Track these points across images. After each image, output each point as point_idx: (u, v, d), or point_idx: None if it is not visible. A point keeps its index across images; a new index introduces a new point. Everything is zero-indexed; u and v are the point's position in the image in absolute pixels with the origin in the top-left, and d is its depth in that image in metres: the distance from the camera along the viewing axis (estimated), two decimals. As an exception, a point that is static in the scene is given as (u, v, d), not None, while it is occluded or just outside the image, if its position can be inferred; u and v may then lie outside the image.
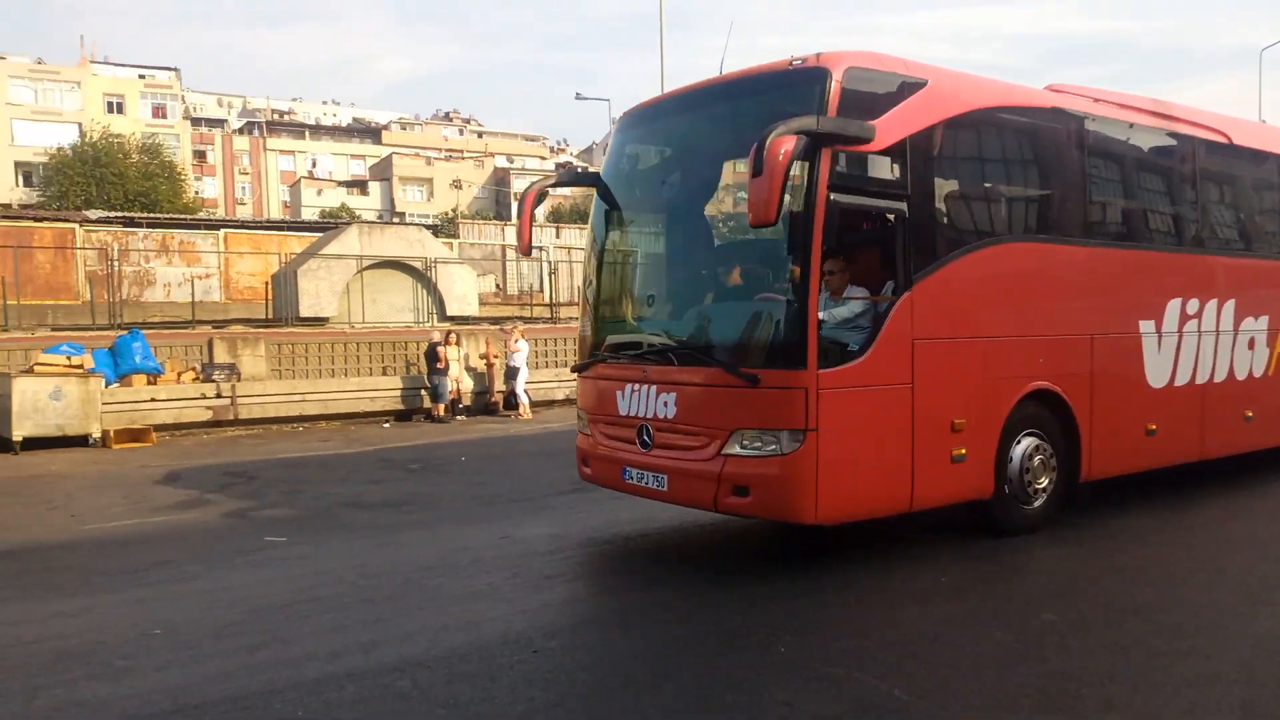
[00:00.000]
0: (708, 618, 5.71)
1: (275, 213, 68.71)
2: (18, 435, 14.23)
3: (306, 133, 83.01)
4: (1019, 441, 7.35)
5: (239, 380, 17.63)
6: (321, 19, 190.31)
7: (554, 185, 8.45)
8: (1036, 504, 7.50)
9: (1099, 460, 7.91)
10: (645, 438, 6.91)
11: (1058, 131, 7.88)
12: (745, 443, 6.33)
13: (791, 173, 5.90)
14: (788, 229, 6.19)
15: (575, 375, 8.17)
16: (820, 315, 6.21)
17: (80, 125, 55.33)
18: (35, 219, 30.72)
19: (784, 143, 5.70)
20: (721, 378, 6.40)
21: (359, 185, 72.63)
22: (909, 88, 6.67)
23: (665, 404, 6.77)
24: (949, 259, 6.88)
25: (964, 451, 6.87)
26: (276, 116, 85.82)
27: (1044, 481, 7.52)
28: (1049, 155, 7.95)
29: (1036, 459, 7.44)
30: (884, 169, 6.48)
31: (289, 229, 35.76)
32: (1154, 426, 8.37)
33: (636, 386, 6.98)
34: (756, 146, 5.66)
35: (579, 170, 9.12)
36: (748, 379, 6.25)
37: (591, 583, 6.80)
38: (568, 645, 5.29)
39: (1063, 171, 7.98)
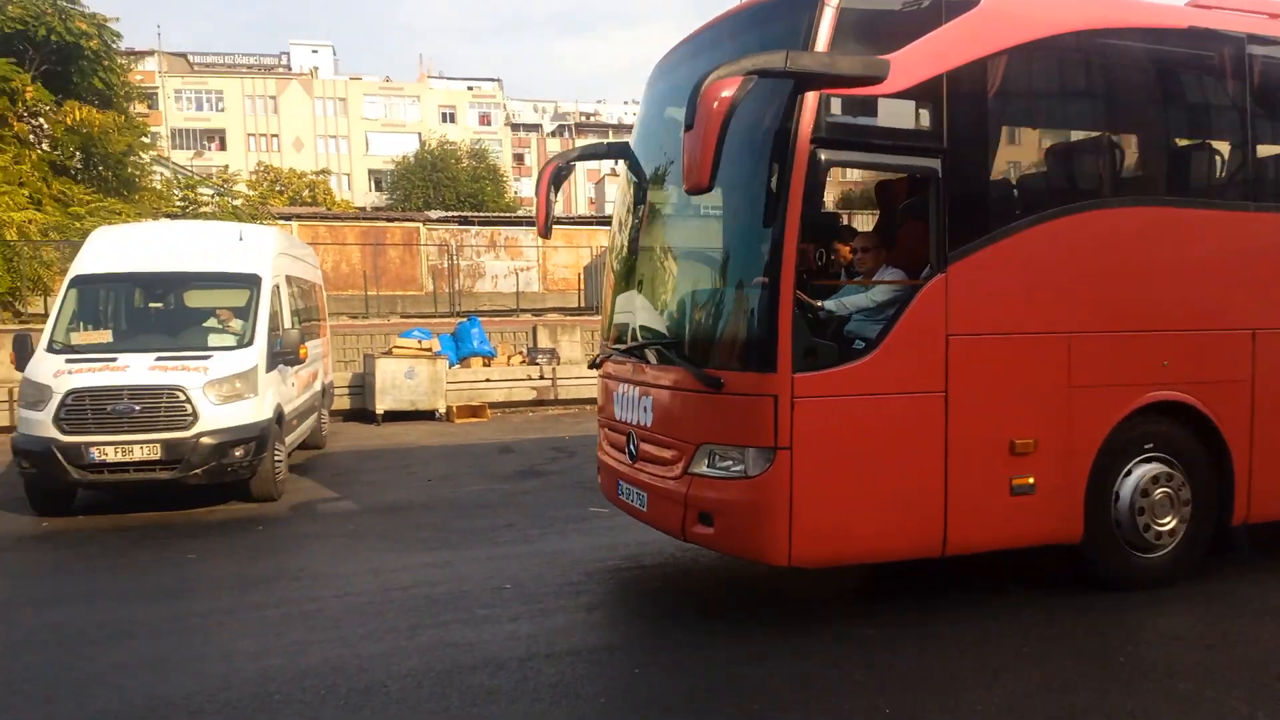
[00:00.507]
0: (1017, 617, 5.48)
1: (583, 209, 73.02)
2: (380, 409, 16.29)
3: (610, 132, 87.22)
4: (1131, 469, 5.75)
5: (559, 363, 19.01)
6: (623, 24, 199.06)
7: (576, 159, 7.15)
8: (1162, 551, 5.81)
9: (1264, 496, 6.05)
10: (632, 448, 5.94)
11: (1202, 60, 6.09)
12: (711, 460, 5.24)
13: (763, 124, 4.95)
14: (762, 196, 5.02)
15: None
16: (824, 304, 5.20)
17: (419, 135, 62.03)
18: (387, 220, 34.82)
19: (721, 88, 4.54)
20: (688, 380, 5.32)
21: (659, 178, 75.28)
22: (951, 9, 5.21)
23: (645, 409, 5.77)
24: (1009, 231, 5.40)
25: (1032, 480, 5.39)
26: (584, 118, 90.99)
27: (1169, 521, 5.80)
28: (1187, 92, 6.26)
29: (1157, 492, 5.77)
30: (906, 116, 5.09)
31: (596, 224, 37.85)
32: None
33: (627, 387, 6.05)
34: (691, 94, 4.60)
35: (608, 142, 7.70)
36: (710, 383, 5.14)
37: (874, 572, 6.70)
38: (886, 635, 5.31)
39: (1210, 113, 6.32)
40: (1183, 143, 6.32)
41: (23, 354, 8.88)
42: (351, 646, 5.26)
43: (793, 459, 4.91)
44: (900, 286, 5.28)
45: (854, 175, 7.38)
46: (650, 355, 5.78)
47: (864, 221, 7.10)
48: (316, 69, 71.64)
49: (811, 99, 4.88)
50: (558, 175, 6.62)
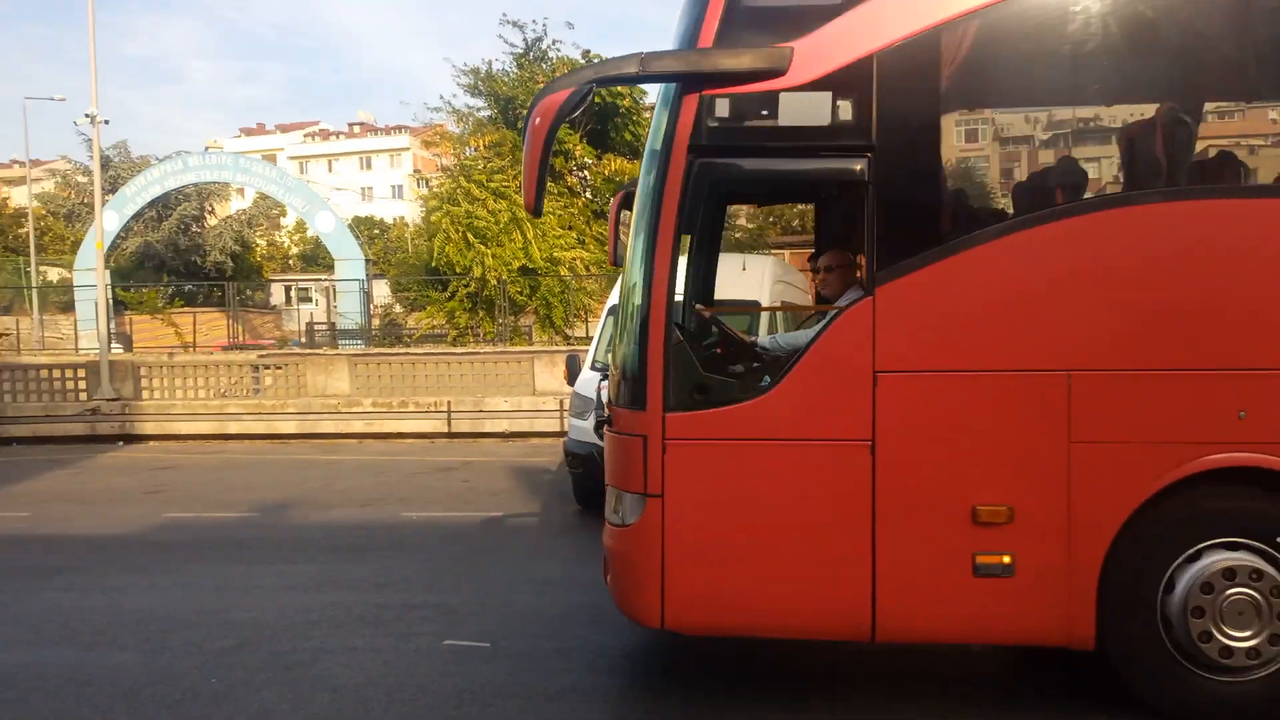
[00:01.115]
0: None
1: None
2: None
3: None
4: (1194, 559, 4.26)
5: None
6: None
7: None
8: (1246, 676, 4.22)
9: None
10: None
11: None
12: (614, 504, 4.72)
13: (655, 135, 4.52)
14: (645, 214, 4.50)
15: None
16: (758, 340, 4.78)
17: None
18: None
19: (551, 102, 4.20)
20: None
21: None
22: None
23: None
24: (969, 241, 4.30)
25: (1007, 560, 4.24)
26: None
27: (1251, 637, 4.20)
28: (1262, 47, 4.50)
29: (1231, 593, 4.20)
30: (819, 111, 4.26)
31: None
32: None
33: None
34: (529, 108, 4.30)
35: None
36: (604, 419, 4.83)
37: None
38: None
39: None
40: (1262, 115, 4.79)
41: (573, 371, 10.48)
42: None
43: (664, 508, 4.39)
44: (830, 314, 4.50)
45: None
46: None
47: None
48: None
49: (690, 103, 4.33)
50: (628, 201, 6.14)
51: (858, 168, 4.35)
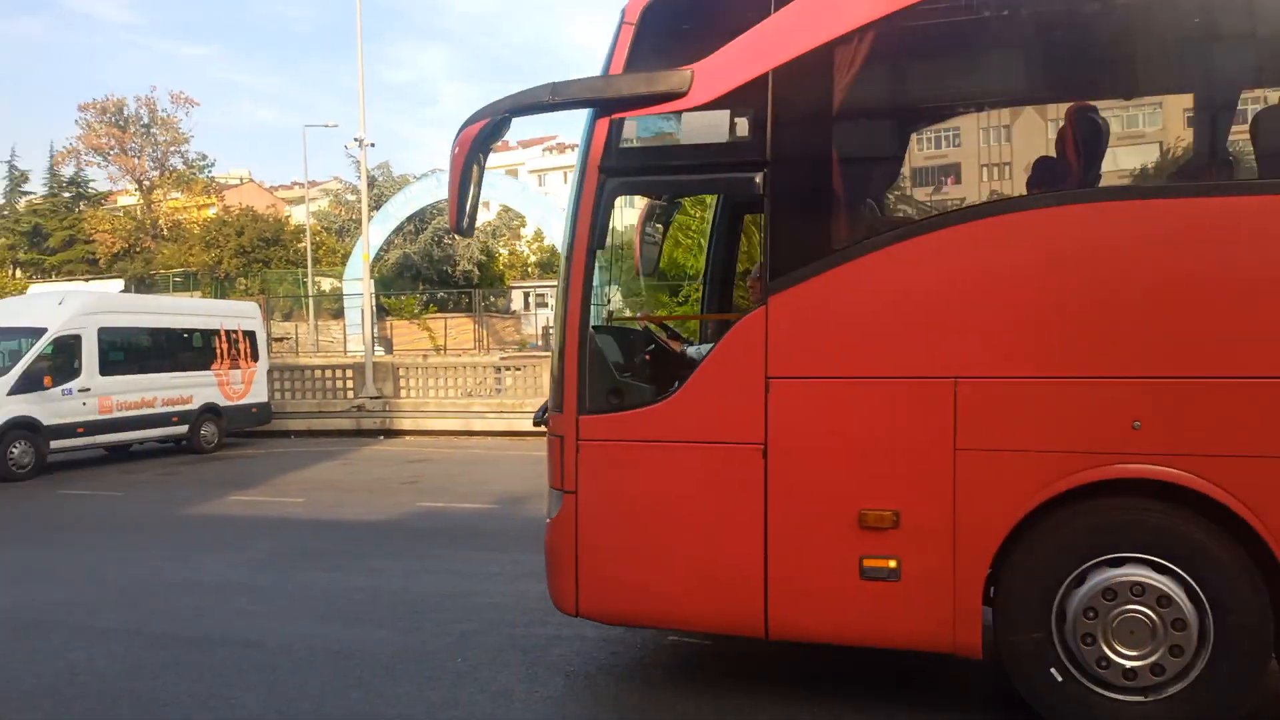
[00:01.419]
0: None
1: None
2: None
3: None
4: (1088, 573, 4.08)
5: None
6: None
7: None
8: (1146, 698, 4.00)
9: None
10: None
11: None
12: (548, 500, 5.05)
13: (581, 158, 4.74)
14: (568, 231, 4.77)
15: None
16: (685, 348, 5.29)
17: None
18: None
19: (470, 131, 4.55)
20: None
21: None
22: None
23: None
24: (855, 252, 4.31)
25: (893, 564, 4.23)
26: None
27: (1141, 657, 4.01)
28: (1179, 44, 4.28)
29: (1125, 609, 4.00)
30: (718, 129, 4.41)
31: None
32: None
33: None
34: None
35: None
36: (538, 421, 5.27)
37: None
38: None
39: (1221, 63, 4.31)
40: (1164, 107, 4.63)
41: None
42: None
43: (578, 504, 4.71)
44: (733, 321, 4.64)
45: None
46: None
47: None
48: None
49: (600, 126, 4.61)
50: (652, 213, 6.22)
51: (754, 181, 4.46)
